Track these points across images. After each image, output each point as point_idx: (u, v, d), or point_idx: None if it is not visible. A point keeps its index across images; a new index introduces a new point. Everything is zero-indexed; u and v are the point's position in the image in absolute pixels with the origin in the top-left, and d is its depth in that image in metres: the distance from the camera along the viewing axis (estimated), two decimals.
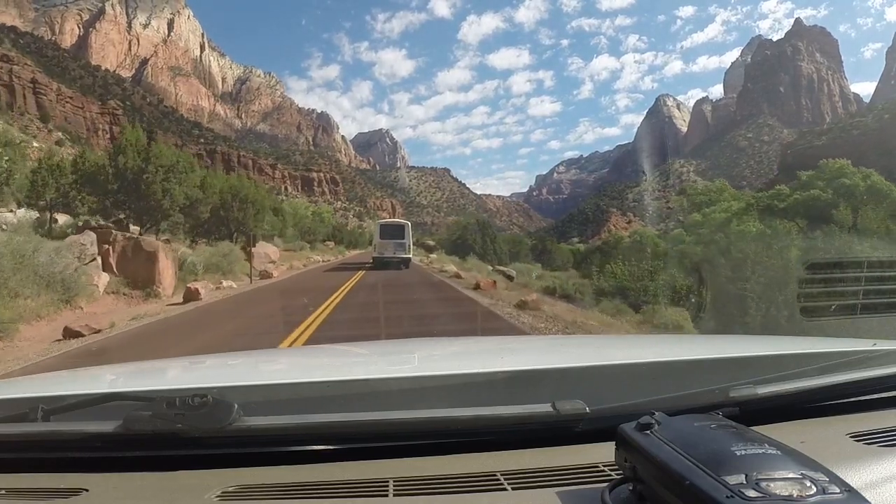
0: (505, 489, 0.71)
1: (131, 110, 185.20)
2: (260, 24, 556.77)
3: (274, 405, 0.94)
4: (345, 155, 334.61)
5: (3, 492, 0.74)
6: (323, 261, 33.05)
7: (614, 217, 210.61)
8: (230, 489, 0.72)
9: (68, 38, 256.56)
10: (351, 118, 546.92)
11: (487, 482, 0.73)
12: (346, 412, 0.83)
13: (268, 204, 27.25)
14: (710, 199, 28.53)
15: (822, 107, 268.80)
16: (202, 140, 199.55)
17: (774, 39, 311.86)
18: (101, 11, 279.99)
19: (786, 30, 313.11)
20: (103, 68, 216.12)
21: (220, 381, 1.13)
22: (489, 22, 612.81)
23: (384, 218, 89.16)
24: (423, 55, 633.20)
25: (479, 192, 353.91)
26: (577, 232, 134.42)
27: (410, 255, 25.13)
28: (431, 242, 66.33)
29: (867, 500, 0.54)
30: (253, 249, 20.52)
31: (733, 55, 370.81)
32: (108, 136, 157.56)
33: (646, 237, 65.19)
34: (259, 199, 26.60)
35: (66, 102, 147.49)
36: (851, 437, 0.83)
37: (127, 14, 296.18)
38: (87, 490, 0.73)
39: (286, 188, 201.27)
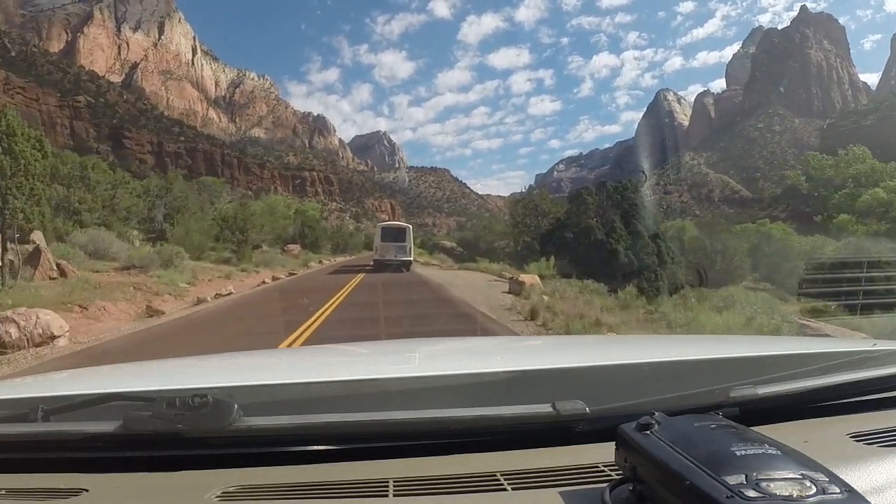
0: (505, 489, 0.71)
1: (104, 106, 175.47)
2: (259, 29, 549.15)
3: (274, 405, 0.94)
4: (342, 157, 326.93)
5: (3, 492, 0.73)
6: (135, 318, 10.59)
7: None
8: (231, 489, 0.72)
9: (56, 44, 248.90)
10: (351, 121, 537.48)
11: (487, 482, 0.72)
12: (346, 412, 0.82)
13: None
14: (870, 172, 21.81)
15: (832, 95, 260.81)
16: (182, 138, 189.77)
17: (780, 28, 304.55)
18: (90, 16, 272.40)
19: (786, 23, 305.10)
20: (77, 65, 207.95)
21: (220, 381, 1.13)
22: (489, 22, 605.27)
23: (383, 219, 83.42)
24: (423, 56, 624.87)
25: (480, 192, 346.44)
26: None
27: (412, 258, 25.73)
28: (449, 244, 54.46)
29: (867, 501, 0.54)
30: None
31: (733, 48, 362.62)
32: (67, 131, 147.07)
33: (684, 231, 57.01)
34: None
35: (17, 93, 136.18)
36: (852, 437, 0.82)
37: (116, 18, 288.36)
38: (87, 490, 0.72)
39: (276, 188, 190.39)
